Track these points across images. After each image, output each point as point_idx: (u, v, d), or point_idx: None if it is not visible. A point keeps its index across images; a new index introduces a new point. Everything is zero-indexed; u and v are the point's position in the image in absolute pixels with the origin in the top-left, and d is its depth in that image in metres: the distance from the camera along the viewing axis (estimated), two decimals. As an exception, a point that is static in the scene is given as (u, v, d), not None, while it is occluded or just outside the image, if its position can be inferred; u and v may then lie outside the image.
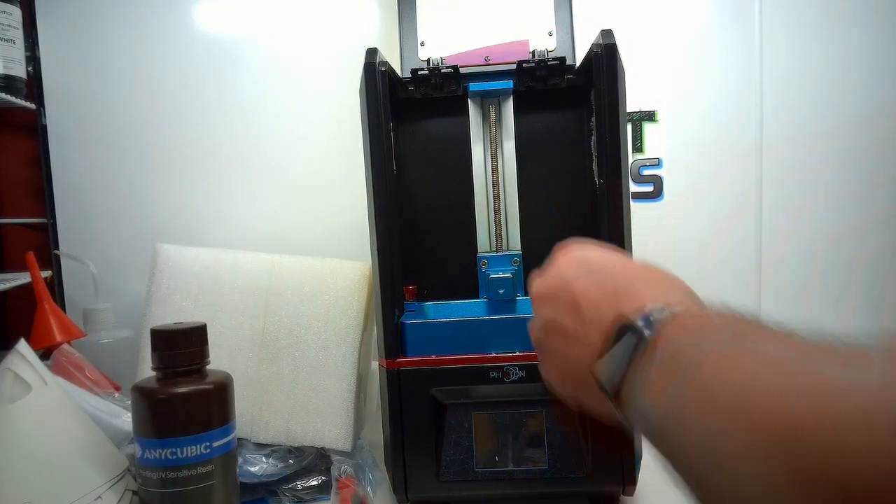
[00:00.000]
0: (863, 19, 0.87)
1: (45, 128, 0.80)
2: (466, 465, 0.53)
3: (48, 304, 0.70)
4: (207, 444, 0.47)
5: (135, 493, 0.50)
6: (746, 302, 0.89)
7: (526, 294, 0.62)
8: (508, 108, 0.62)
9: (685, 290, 0.29)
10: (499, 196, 0.62)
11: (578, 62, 0.61)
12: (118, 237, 0.81)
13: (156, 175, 0.81)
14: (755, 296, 0.89)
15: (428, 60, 0.63)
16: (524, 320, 0.54)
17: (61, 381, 0.55)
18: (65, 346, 0.66)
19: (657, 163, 0.86)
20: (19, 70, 0.76)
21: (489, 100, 0.63)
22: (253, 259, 0.64)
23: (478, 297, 0.62)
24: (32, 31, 0.79)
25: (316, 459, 0.60)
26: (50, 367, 0.57)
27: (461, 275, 0.63)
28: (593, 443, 0.53)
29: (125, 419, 0.56)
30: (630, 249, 0.54)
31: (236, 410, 0.51)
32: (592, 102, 0.59)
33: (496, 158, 0.63)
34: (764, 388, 0.19)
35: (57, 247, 0.80)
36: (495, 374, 0.53)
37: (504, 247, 0.63)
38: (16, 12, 0.76)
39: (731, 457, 0.20)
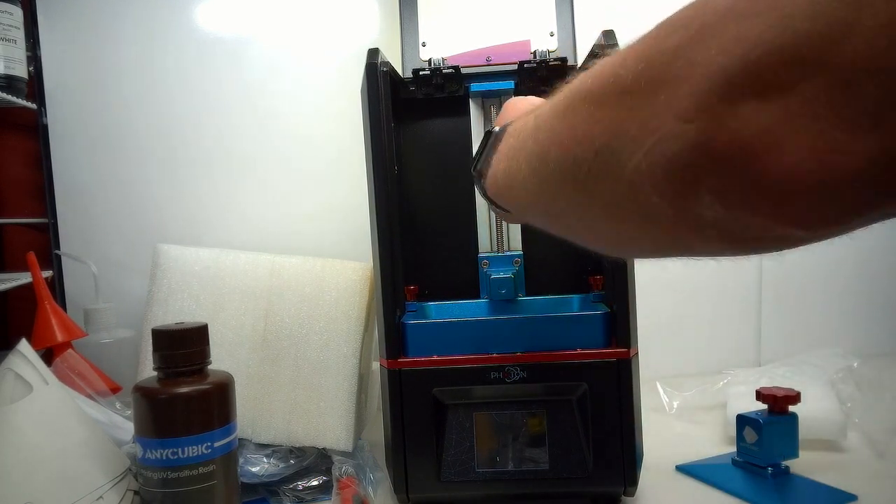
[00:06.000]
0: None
1: (45, 128, 0.80)
2: (467, 466, 0.53)
3: (49, 303, 0.71)
4: (208, 444, 0.47)
5: (136, 493, 0.50)
6: (747, 301, 0.89)
7: (527, 293, 0.62)
8: (510, 108, 0.62)
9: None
10: (500, 196, 0.62)
11: (580, 62, 0.61)
12: (118, 237, 0.81)
13: (157, 175, 0.81)
14: (755, 296, 0.89)
15: (429, 61, 0.63)
16: (525, 321, 0.55)
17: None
18: (66, 353, 0.66)
19: (658, 163, 0.86)
20: (20, 70, 0.76)
21: (490, 100, 0.63)
22: (254, 259, 0.64)
23: (479, 298, 0.62)
24: (34, 31, 0.79)
25: (317, 459, 0.60)
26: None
27: (462, 275, 0.63)
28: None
29: (126, 429, 0.56)
30: (631, 250, 0.54)
31: (237, 410, 0.51)
32: (594, 103, 0.59)
33: (497, 159, 0.63)
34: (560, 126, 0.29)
35: (58, 247, 0.80)
36: (496, 375, 0.53)
37: (505, 247, 0.63)
38: (17, 12, 0.76)
39: (550, 171, 0.30)
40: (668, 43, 0.24)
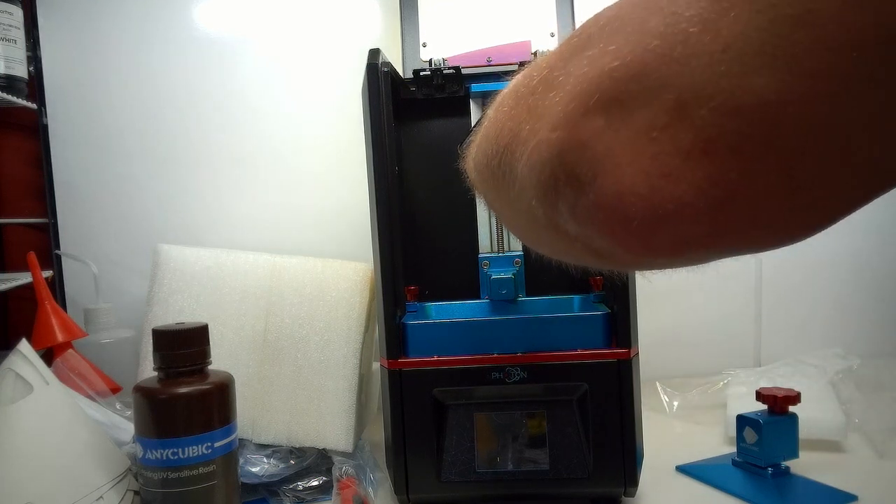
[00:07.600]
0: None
1: (46, 128, 0.80)
2: (467, 466, 0.53)
3: (49, 303, 0.70)
4: (209, 444, 0.47)
5: (136, 493, 0.50)
6: (747, 302, 0.89)
7: (527, 294, 0.62)
8: (510, 108, 0.62)
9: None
10: (500, 197, 0.62)
11: (580, 63, 0.61)
12: (118, 237, 0.81)
13: (156, 175, 0.81)
14: (755, 296, 0.89)
15: (430, 61, 0.63)
16: (526, 321, 0.55)
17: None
18: (66, 353, 0.66)
19: (658, 163, 0.86)
20: (21, 70, 0.76)
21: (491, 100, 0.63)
22: (254, 259, 0.64)
23: (479, 298, 0.62)
24: (34, 31, 0.79)
25: (317, 460, 0.60)
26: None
27: (463, 275, 0.63)
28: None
29: (126, 429, 0.56)
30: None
31: (237, 411, 0.51)
32: (594, 103, 0.59)
33: (498, 159, 0.63)
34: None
35: (58, 247, 0.80)
36: (497, 375, 0.53)
37: (505, 248, 0.63)
38: (17, 12, 0.76)
39: (478, 160, 0.30)
40: (565, 49, 0.23)
